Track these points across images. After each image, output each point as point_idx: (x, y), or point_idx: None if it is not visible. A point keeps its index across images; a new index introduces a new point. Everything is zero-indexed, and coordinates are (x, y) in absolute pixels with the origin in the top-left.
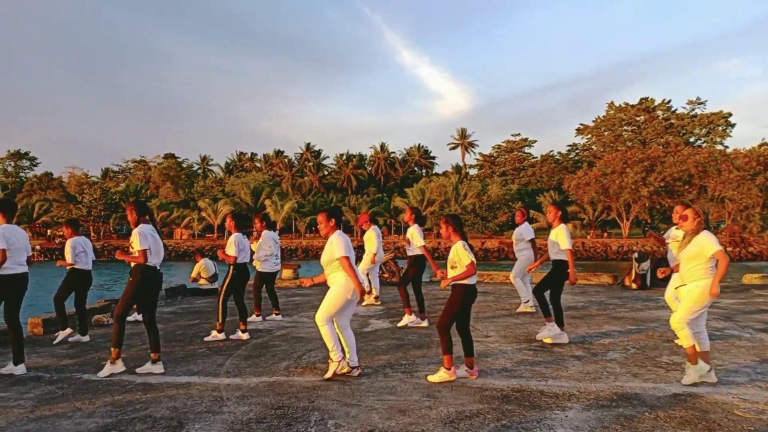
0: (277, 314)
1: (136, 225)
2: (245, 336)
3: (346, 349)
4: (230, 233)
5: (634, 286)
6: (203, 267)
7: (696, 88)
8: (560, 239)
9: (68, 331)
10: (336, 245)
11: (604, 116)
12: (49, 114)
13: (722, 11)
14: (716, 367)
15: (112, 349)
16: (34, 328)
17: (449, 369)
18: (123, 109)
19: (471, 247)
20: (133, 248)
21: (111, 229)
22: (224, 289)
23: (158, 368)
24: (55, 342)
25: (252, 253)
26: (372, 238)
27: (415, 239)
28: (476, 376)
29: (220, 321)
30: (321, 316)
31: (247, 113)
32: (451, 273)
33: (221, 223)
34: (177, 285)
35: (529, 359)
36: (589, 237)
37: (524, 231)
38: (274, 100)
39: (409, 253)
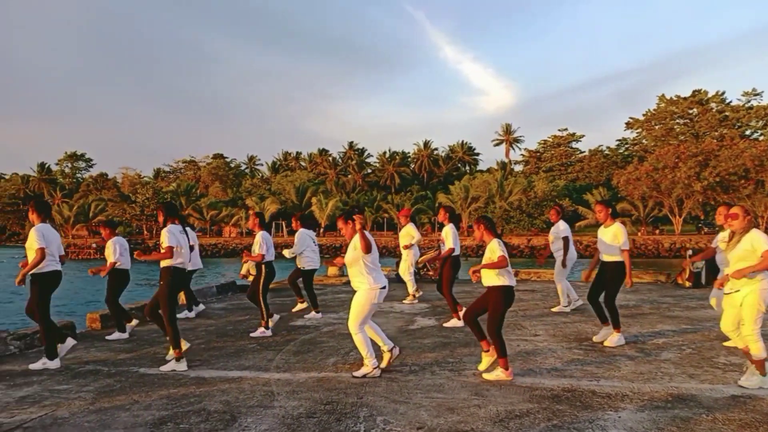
0: (317, 312)
1: (164, 226)
2: (267, 332)
3: (378, 340)
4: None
5: (687, 284)
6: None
7: (752, 79)
8: (619, 238)
9: (128, 329)
10: (355, 245)
11: (654, 109)
12: (104, 117)
13: None
14: None
15: (174, 350)
16: (92, 323)
17: (507, 370)
18: (174, 111)
19: (506, 245)
20: (162, 247)
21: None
22: (261, 287)
23: (182, 366)
24: (108, 338)
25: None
26: (412, 233)
27: (448, 240)
28: (511, 377)
29: (265, 319)
30: (352, 324)
31: (292, 113)
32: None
33: (268, 221)
34: (227, 281)
35: (580, 359)
36: (639, 234)
37: (560, 229)
38: (319, 100)
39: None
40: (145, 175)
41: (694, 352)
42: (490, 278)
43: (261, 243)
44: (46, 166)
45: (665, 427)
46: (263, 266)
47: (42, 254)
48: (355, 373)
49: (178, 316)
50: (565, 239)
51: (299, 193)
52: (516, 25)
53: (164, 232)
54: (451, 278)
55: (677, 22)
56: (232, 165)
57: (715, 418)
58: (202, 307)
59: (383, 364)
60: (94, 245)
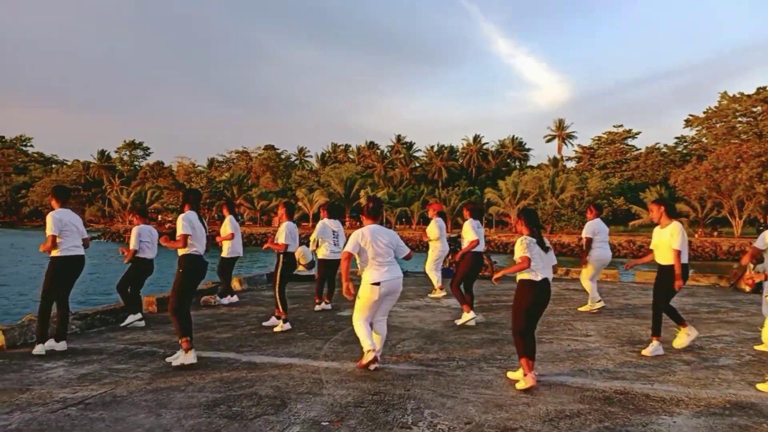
0: (327, 303)
1: (181, 212)
2: (285, 326)
3: (375, 338)
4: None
5: (747, 288)
6: (301, 254)
7: None
8: (674, 237)
9: (138, 315)
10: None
11: (716, 107)
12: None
13: None
14: None
15: (182, 339)
16: (149, 306)
17: (526, 375)
18: (228, 104)
19: (541, 243)
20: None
21: (215, 216)
22: (278, 278)
23: (189, 358)
24: (122, 324)
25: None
26: (433, 229)
27: (467, 235)
28: (533, 383)
29: (281, 309)
30: (354, 318)
31: (342, 106)
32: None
33: (316, 212)
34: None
35: (633, 361)
36: (696, 236)
37: (593, 227)
38: (368, 94)
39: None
40: (200, 164)
41: (754, 359)
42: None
43: (286, 233)
44: (106, 153)
45: None
46: (281, 256)
47: (52, 241)
48: (359, 362)
49: (224, 301)
50: (587, 240)
51: (347, 186)
52: (572, 19)
53: (179, 220)
54: (464, 274)
55: (741, 15)
56: (283, 156)
57: None
58: (235, 298)
59: (363, 361)
60: None
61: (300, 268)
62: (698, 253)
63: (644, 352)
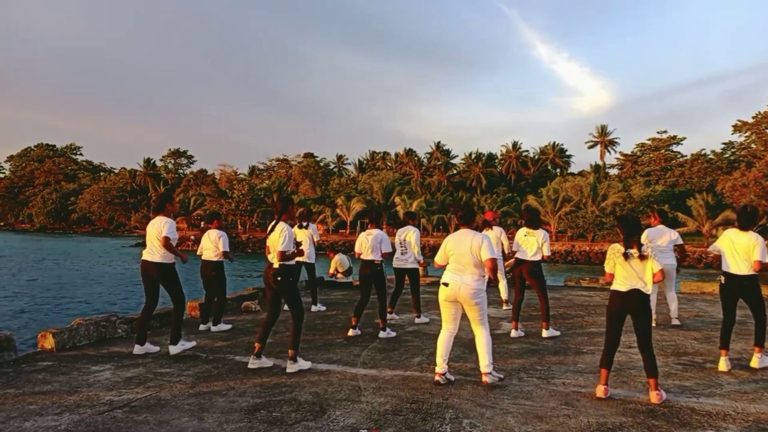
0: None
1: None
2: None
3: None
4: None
5: None
6: (339, 262)
7: None
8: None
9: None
10: None
11: (765, 112)
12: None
13: None
14: None
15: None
16: (191, 311)
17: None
18: (269, 112)
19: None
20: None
21: (255, 222)
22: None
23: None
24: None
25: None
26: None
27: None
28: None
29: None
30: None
31: (380, 114)
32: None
33: (354, 219)
34: (316, 277)
35: (678, 374)
36: None
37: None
38: (407, 101)
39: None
40: (241, 172)
41: None
42: None
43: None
44: (152, 161)
45: None
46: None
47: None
48: None
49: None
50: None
51: (385, 193)
52: (615, 22)
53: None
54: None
55: None
56: (322, 164)
57: None
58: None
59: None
60: (192, 237)
61: (338, 275)
62: None
63: (753, 364)
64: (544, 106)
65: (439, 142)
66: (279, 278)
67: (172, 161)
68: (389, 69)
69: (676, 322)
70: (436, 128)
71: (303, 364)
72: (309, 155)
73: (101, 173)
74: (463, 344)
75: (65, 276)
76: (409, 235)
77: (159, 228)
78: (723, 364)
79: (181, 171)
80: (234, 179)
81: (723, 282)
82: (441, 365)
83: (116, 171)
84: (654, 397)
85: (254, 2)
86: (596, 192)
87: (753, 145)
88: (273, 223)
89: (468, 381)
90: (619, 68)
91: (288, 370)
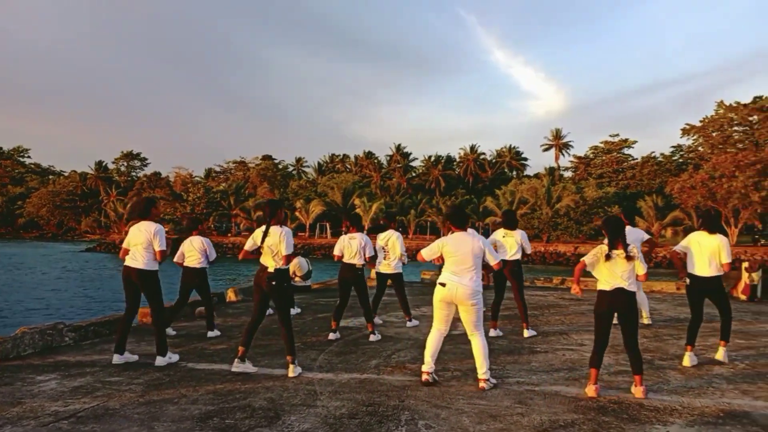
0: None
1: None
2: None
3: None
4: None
5: (743, 297)
6: (297, 265)
7: None
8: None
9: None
10: None
11: (712, 116)
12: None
13: None
14: None
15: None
16: (143, 318)
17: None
18: (226, 114)
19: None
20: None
21: (211, 226)
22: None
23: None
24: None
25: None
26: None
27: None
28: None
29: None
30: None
31: (340, 117)
32: None
33: (313, 222)
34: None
35: (628, 370)
36: None
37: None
38: (368, 104)
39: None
40: (197, 174)
41: (748, 368)
42: None
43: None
44: (104, 164)
45: None
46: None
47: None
48: None
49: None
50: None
51: (344, 195)
52: (571, 28)
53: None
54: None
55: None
56: (280, 166)
57: None
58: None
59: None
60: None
61: (296, 279)
62: None
63: (718, 356)
64: (502, 110)
65: (399, 145)
66: (274, 282)
67: (125, 164)
68: (350, 72)
69: (648, 321)
70: (396, 131)
71: (249, 367)
72: (267, 157)
73: (50, 176)
74: (420, 345)
75: (11, 283)
76: (392, 239)
77: (149, 236)
78: (687, 360)
79: (134, 174)
80: (189, 182)
81: (689, 283)
82: (429, 364)
83: (66, 174)
84: (639, 392)
85: (213, 3)
86: (551, 194)
87: (700, 148)
88: (264, 227)
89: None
90: (573, 73)
91: (290, 375)
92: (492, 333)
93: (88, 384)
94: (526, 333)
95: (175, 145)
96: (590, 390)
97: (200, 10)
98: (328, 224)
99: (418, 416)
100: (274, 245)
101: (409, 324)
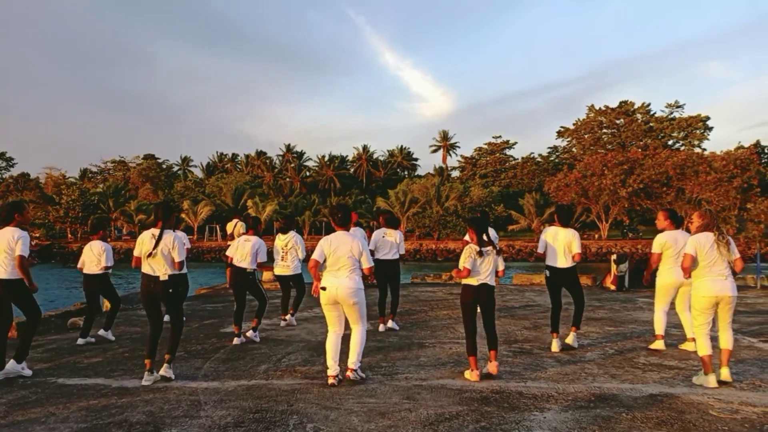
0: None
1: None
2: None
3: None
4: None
5: (612, 287)
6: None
7: (677, 91)
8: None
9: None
10: None
11: (584, 119)
12: (26, 113)
13: (705, 15)
14: (693, 369)
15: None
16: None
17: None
18: (103, 110)
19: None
20: None
21: (88, 230)
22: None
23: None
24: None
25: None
26: None
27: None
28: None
29: None
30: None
31: (229, 115)
32: None
33: (201, 224)
34: None
35: (509, 360)
36: None
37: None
38: (257, 102)
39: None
40: (71, 175)
41: (617, 353)
42: None
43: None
44: None
45: (587, 426)
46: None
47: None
48: None
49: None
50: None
51: (235, 196)
52: (457, 34)
53: (182, 239)
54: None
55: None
56: (164, 166)
57: (634, 417)
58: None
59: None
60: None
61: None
62: None
63: (568, 341)
64: (393, 111)
65: (289, 145)
66: (171, 290)
67: None
68: (239, 69)
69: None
70: (288, 131)
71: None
72: (149, 156)
73: None
74: (312, 347)
75: None
76: (291, 241)
77: (10, 242)
78: (555, 345)
79: None
80: (62, 184)
81: (548, 275)
82: (333, 367)
83: None
84: (493, 367)
85: None
86: (440, 193)
87: (574, 149)
88: (153, 231)
89: (314, 385)
90: (459, 77)
91: (161, 373)
92: (381, 328)
93: None
94: (390, 323)
95: (46, 145)
96: (472, 375)
97: (77, 1)
98: (217, 226)
99: (307, 419)
100: (167, 250)
101: (282, 323)
